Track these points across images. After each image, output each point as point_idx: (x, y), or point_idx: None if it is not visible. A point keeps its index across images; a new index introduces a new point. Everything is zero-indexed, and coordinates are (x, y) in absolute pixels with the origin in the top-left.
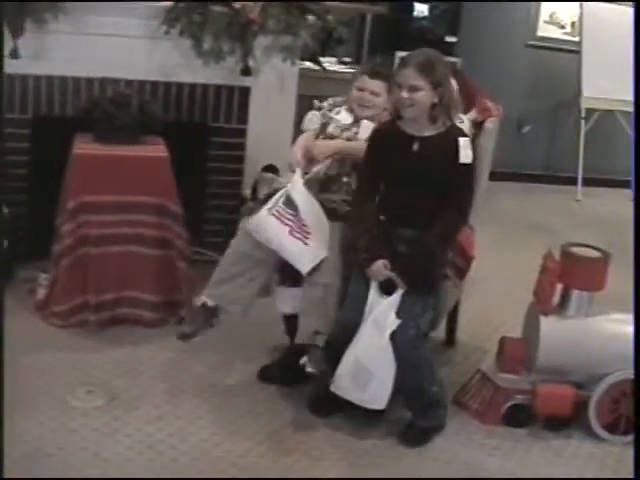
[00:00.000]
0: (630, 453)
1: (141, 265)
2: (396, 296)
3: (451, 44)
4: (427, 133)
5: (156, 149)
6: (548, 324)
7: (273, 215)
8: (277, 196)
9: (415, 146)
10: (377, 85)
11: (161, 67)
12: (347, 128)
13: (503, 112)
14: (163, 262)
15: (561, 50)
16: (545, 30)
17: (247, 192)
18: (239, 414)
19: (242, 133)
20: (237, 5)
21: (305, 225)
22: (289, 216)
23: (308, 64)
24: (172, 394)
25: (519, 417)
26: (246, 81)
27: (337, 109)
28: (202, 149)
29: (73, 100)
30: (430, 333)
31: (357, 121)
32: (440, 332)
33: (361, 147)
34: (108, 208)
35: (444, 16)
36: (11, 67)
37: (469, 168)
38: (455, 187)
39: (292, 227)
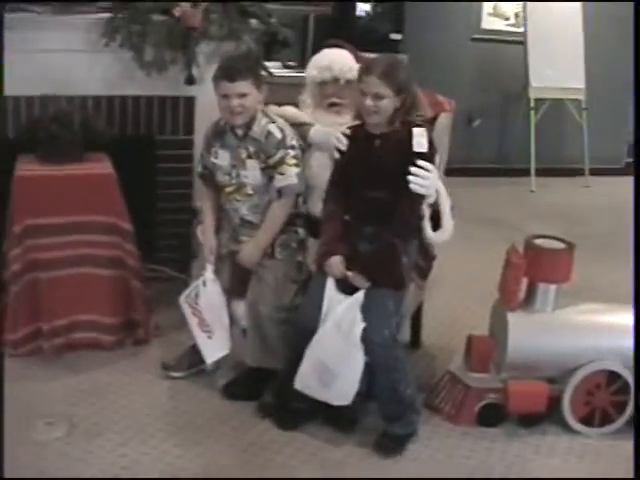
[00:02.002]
0: (607, 444)
1: (94, 287)
2: (358, 295)
3: (396, 42)
4: (386, 129)
5: (101, 166)
6: (515, 320)
7: (187, 304)
8: (193, 285)
9: (377, 142)
10: (242, 86)
11: (103, 81)
12: (229, 173)
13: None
14: (117, 282)
15: (506, 42)
16: (489, 23)
17: (198, 204)
18: (205, 434)
19: (189, 144)
20: (177, 13)
21: (206, 322)
22: (198, 309)
23: None
24: (134, 419)
25: (492, 417)
26: (191, 90)
27: (214, 150)
28: (149, 163)
29: (13, 120)
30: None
31: (239, 157)
32: (404, 334)
33: (278, 219)
34: (56, 230)
35: (387, 14)
36: None
37: (424, 157)
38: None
39: (199, 320)
